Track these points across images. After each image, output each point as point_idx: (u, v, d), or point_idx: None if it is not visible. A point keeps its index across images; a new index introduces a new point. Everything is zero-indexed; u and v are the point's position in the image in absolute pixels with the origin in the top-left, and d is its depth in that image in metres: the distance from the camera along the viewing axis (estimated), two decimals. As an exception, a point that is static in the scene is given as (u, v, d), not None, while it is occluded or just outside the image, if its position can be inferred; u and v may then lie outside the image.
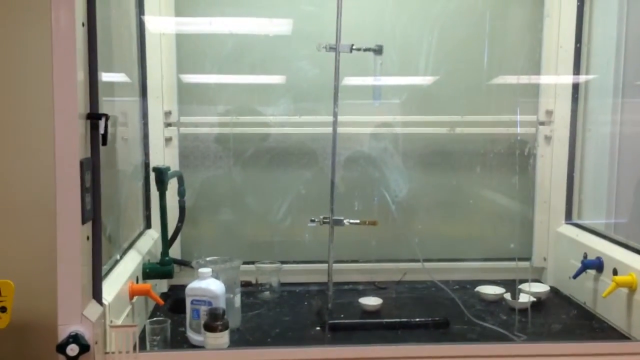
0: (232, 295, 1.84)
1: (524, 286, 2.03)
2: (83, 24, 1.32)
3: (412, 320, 1.88)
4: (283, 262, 2.19)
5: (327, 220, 2.00)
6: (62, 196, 1.30)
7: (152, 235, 2.15)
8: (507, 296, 2.04)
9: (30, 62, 1.84)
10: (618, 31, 2.11)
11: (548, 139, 2.27)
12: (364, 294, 2.11)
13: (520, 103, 2.24)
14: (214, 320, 1.63)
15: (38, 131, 1.82)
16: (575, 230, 2.19)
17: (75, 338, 1.30)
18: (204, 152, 2.24)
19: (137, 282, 1.83)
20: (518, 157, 2.22)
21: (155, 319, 1.75)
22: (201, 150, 2.24)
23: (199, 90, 2.26)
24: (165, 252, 2.00)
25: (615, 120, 2.18)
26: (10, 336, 1.83)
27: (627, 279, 1.76)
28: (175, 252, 2.17)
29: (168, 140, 2.20)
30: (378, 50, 2.09)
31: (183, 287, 1.79)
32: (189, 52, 2.21)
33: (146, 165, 2.14)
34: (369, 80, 2.16)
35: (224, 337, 1.63)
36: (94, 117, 1.36)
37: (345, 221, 2.01)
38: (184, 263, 2.16)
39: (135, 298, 1.72)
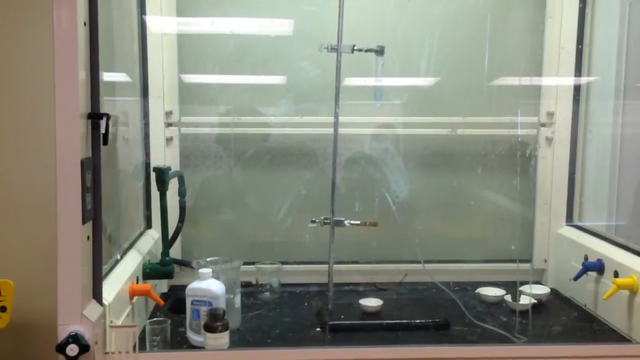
0: (232, 296, 1.84)
1: (524, 288, 2.03)
2: (85, 24, 1.32)
3: (412, 321, 1.88)
4: (283, 263, 2.19)
5: (328, 221, 2.00)
6: (62, 196, 1.30)
7: (153, 235, 2.15)
8: (508, 298, 2.04)
9: (31, 62, 1.84)
10: (620, 33, 2.11)
11: (549, 140, 2.27)
12: (365, 295, 2.11)
13: (522, 104, 2.24)
14: (214, 321, 1.63)
15: (39, 130, 1.82)
16: (576, 232, 2.18)
17: (75, 338, 1.29)
18: (205, 152, 2.24)
19: (137, 282, 1.83)
20: (519, 159, 2.21)
21: (155, 319, 1.75)
22: (202, 150, 2.24)
23: (200, 90, 2.26)
24: (165, 252, 2.00)
25: (617, 122, 2.17)
26: (10, 336, 1.83)
27: (628, 281, 1.75)
28: (175, 252, 2.17)
29: (169, 140, 2.20)
30: (379, 51, 2.09)
31: (183, 287, 1.79)
32: (190, 52, 2.21)
33: (147, 165, 2.14)
34: (370, 81, 2.16)
35: (224, 338, 1.63)
36: (95, 116, 1.36)
37: (346, 222, 2.01)
38: (184, 263, 2.16)
39: (135, 298, 1.72)
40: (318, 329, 1.87)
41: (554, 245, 2.27)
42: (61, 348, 1.29)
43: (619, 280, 1.78)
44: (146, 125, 2.14)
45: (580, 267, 2.00)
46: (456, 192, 2.31)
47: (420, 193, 2.27)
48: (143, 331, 1.71)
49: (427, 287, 2.20)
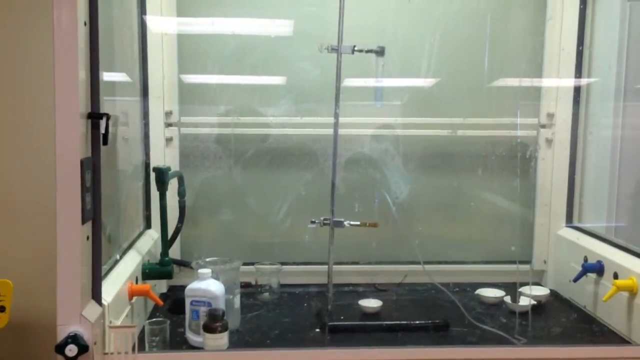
0: (231, 296, 1.83)
1: (524, 289, 2.03)
2: (85, 23, 1.32)
3: (412, 322, 1.88)
4: (283, 264, 2.18)
5: (328, 222, 1.99)
6: (62, 196, 1.29)
7: (152, 236, 2.14)
8: (507, 299, 2.03)
9: (31, 61, 1.84)
10: (620, 34, 2.11)
11: (549, 141, 2.27)
12: (364, 295, 2.11)
13: (522, 106, 2.24)
14: (214, 321, 1.62)
15: (39, 130, 1.82)
16: (576, 234, 2.18)
17: (74, 338, 1.29)
18: (205, 153, 2.24)
19: (137, 282, 1.83)
20: (519, 160, 2.21)
21: (154, 319, 1.74)
22: (202, 150, 2.24)
23: (200, 90, 2.26)
24: (165, 253, 2.00)
25: (617, 124, 2.17)
26: (8, 336, 1.83)
27: (627, 283, 1.75)
28: (175, 252, 2.17)
29: (169, 140, 2.20)
30: (380, 52, 2.09)
31: (182, 287, 1.79)
32: (191, 52, 2.21)
33: (146, 165, 2.14)
34: (370, 82, 2.16)
35: (223, 338, 1.62)
36: (95, 116, 1.36)
37: (345, 223, 2.00)
38: (183, 263, 2.15)
39: (134, 298, 1.72)
40: (317, 330, 1.87)
41: (554, 247, 2.27)
42: (60, 348, 1.28)
43: (618, 281, 1.78)
44: (146, 125, 2.14)
45: (579, 268, 2.00)
46: (456, 193, 2.31)
47: (420, 194, 2.27)
48: (142, 331, 1.70)
49: (426, 288, 2.20)
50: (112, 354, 1.41)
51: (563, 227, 2.26)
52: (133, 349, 1.40)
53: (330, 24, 1.95)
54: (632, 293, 1.75)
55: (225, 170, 2.24)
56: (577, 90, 2.22)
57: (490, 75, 2.22)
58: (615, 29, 2.12)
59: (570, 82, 2.22)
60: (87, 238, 1.37)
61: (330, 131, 1.99)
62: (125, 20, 2.00)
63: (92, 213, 1.37)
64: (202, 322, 1.67)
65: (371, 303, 2.02)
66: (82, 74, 1.31)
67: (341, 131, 2.00)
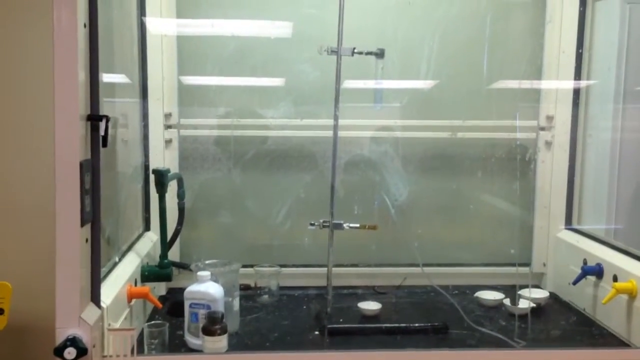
0: (230, 299, 1.83)
1: (523, 292, 2.03)
2: (85, 25, 1.32)
3: (411, 325, 1.88)
4: (282, 266, 2.18)
5: (327, 224, 1.99)
6: (61, 198, 1.29)
7: (151, 238, 2.14)
8: (507, 302, 2.03)
9: (30, 63, 1.84)
10: (620, 37, 2.11)
11: (549, 144, 2.27)
12: (363, 298, 2.10)
13: (522, 108, 2.24)
14: (213, 324, 1.62)
15: (38, 132, 1.81)
16: (575, 236, 2.18)
17: (72, 341, 1.29)
18: (204, 155, 2.24)
19: (136, 284, 1.83)
20: (519, 162, 2.21)
21: (153, 322, 1.74)
22: (201, 152, 2.24)
23: (199, 92, 2.26)
24: (164, 255, 1.99)
25: (616, 126, 2.18)
26: (7, 338, 1.82)
27: (627, 286, 1.75)
28: (174, 254, 2.16)
29: (168, 142, 2.20)
30: (380, 54, 2.09)
31: (182, 290, 1.79)
32: (190, 53, 2.21)
33: (146, 167, 2.14)
34: (370, 84, 2.16)
35: (222, 341, 1.62)
36: (94, 118, 1.36)
37: (345, 225, 2.00)
38: (182, 266, 2.15)
39: (133, 301, 1.71)
40: (317, 333, 1.86)
41: (553, 249, 2.27)
42: (59, 351, 1.28)
43: (618, 284, 1.78)
44: (145, 127, 2.14)
45: (579, 271, 2.00)
46: (456, 195, 2.31)
47: (419, 196, 2.26)
48: (141, 334, 1.70)
49: (426, 291, 2.20)
50: (111, 356, 1.40)
51: (562, 230, 2.26)
52: (132, 352, 1.40)
53: (330, 26, 1.94)
54: (632, 296, 1.75)
55: (224, 172, 2.24)
56: (577, 92, 2.22)
57: (489, 78, 2.22)
58: (614, 32, 2.12)
59: (569, 84, 2.22)
60: (86, 240, 1.36)
61: (330, 133, 1.99)
62: (125, 21, 2.00)
63: (91, 215, 1.37)
64: (201, 325, 1.66)
65: (370, 306, 2.02)
66: (82, 75, 1.31)
67: (341, 133, 2.00)
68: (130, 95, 2.07)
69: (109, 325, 1.46)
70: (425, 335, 1.84)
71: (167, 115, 2.19)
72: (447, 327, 1.86)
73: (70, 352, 1.28)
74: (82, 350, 1.29)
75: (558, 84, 2.24)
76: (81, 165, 1.30)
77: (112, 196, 1.81)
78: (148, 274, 1.93)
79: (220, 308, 1.71)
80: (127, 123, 2.01)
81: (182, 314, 1.76)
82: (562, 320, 2.00)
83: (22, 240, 1.86)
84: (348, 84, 2.07)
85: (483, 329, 1.86)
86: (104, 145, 1.38)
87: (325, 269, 2.01)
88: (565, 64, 2.20)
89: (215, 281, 1.77)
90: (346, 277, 2.22)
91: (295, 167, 2.25)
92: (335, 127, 1.98)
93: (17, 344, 1.86)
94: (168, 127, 2.19)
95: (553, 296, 2.19)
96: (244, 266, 2.00)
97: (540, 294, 2.11)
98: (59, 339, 1.30)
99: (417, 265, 2.10)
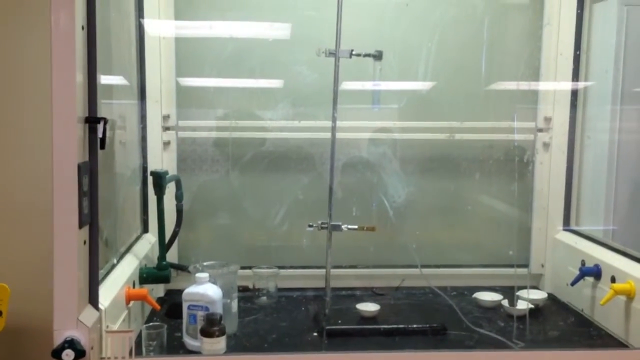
0: (229, 301, 1.83)
1: (521, 293, 2.03)
2: (83, 27, 1.32)
3: (409, 326, 1.88)
4: (280, 267, 2.18)
5: (325, 226, 1.99)
6: (59, 200, 1.29)
7: (150, 240, 2.14)
8: (505, 303, 2.03)
9: (28, 65, 1.83)
10: (617, 39, 2.12)
11: (547, 145, 2.27)
12: (362, 299, 2.10)
13: (519, 109, 2.24)
14: (211, 326, 1.62)
15: (36, 134, 1.81)
16: (573, 237, 2.18)
17: (70, 343, 1.29)
18: (202, 156, 2.24)
19: (134, 286, 1.82)
20: (517, 164, 2.22)
21: (151, 324, 1.74)
22: (199, 154, 2.24)
23: (197, 94, 2.26)
24: (162, 257, 1.99)
25: (614, 128, 2.18)
26: (5, 340, 1.82)
27: (625, 287, 1.76)
28: (172, 256, 2.16)
29: (166, 144, 2.20)
30: (377, 56, 2.09)
31: (180, 291, 1.79)
32: (188, 55, 2.21)
33: (144, 169, 2.14)
34: (368, 86, 2.16)
35: (220, 343, 1.62)
36: (92, 120, 1.36)
37: (343, 226, 2.00)
38: (181, 268, 2.15)
39: (131, 303, 1.71)
40: (315, 334, 1.86)
41: (551, 250, 2.27)
42: (57, 353, 1.28)
43: (616, 285, 1.79)
44: (143, 129, 2.14)
45: (577, 272, 2.00)
46: (454, 196, 2.31)
47: (417, 198, 2.27)
48: (139, 336, 1.70)
49: (424, 292, 2.20)
50: (109, 358, 1.40)
51: (560, 231, 2.26)
52: (130, 354, 1.40)
53: (328, 28, 1.95)
54: (630, 297, 1.75)
55: (222, 174, 2.24)
56: (575, 94, 2.23)
57: (487, 79, 2.22)
58: (612, 33, 2.13)
59: (567, 86, 2.22)
60: (84, 242, 1.36)
61: (328, 135, 1.99)
62: (123, 23, 2.00)
63: (89, 217, 1.37)
64: (199, 327, 1.67)
65: (369, 307, 2.01)
66: (80, 77, 1.31)
67: (339, 135, 2.00)
68: (128, 97, 2.07)
69: (107, 327, 1.46)
70: (424, 337, 1.84)
71: (165, 117, 2.19)
72: (446, 328, 1.86)
73: (68, 354, 1.27)
74: (80, 352, 1.28)
75: (556, 85, 2.25)
76: (79, 167, 1.30)
77: (110, 198, 1.81)
78: (146, 276, 1.93)
79: (218, 310, 1.71)
80: (125, 125, 2.01)
81: (180, 316, 1.76)
82: (560, 321, 2.00)
83: (20, 242, 1.86)
84: (346, 85, 2.07)
85: (481, 330, 1.86)
86: (102, 147, 1.38)
87: (324, 270, 2.01)
88: (563, 66, 2.20)
89: (214, 283, 1.77)
90: (344, 278, 2.22)
91: (293, 169, 2.25)
92: (334, 129, 1.98)
93: (14, 346, 1.86)
94: (166, 129, 2.19)
95: (551, 297, 2.19)
96: (242, 268, 2.00)
97: (539, 295, 2.11)
98: (57, 341, 1.30)
99: (415, 267, 2.10)
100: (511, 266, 2.12)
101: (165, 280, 1.99)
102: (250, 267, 2.15)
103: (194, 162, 2.24)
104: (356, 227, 2.03)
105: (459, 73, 2.25)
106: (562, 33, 2.19)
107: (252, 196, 2.25)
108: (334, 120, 1.98)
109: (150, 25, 2.12)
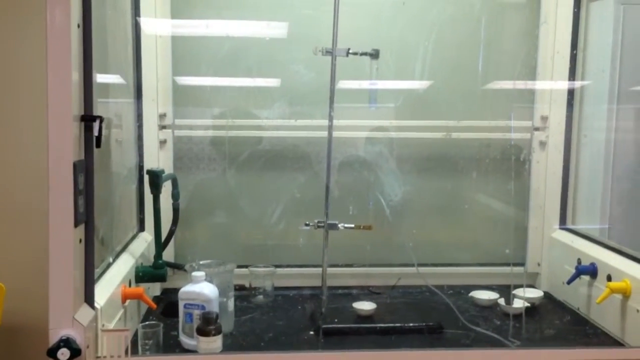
0: (225, 299, 1.83)
1: (518, 291, 2.03)
2: (78, 25, 1.32)
3: (405, 325, 1.88)
4: (277, 266, 2.18)
5: (322, 224, 1.99)
6: (55, 198, 1.29)
7: (146, 238, 2.14)
8: (501, 301, 2.04)
9: (24, 63, 1.83)
10: (614, 38, 2.12)
11: (543, 144, 2.27)
12: (358, 298, 2.10)
13: (516, 108, 2.25)
14: (207, 325, 1.62)
15: (31, 132, 1.81)
16: (570, 236, 2.19)
17: (66, 342, 1.28)
18: (199, 155, 2.23)
19: (130, 285, 1.82)
20: (513, 163, 2.22)
21: (147, 322, 1.73)
22: (196, 153, 2.24)
23: (194, 92, 2.26)
24: (158, 255, 1.99)
25: (610, 127, 2.19)
26: (0, 339, 1.82)
27: (621, 285, 1.76)
28: (168, 255, 2.16)
29: (162, 142, 2.19)
30: (374, 55, 2.09)
31: (176, 290, 1.78)
32: (185, 54, 2.20)
33: (140, 167, 2.13)
34: (365, 85, 2.16)
35: (216, 342, 1.62)
36: (88, 119, 1.35)
37: (339, 225, 2.00)
38: (177, 266, 2.15)
39: (127, 302, 1.71)
40: (311, 333, 1.86)
41: (548, 249, 2.28)
42: (52, 352, 1.27)
43: (612, 284, 1.79)
44: (140, 127, 2.13)
45: (573, 270, 2.01)
46: (450, 195, 2.31)
47: (414, 196, 2.27)
48: (135, 335, 1.70)
49: (420, 291, 2.20)
50: (104, 357, 1.40)
51: (557, 230, 2.26)
52: (126, 353, 1.39)
53: (324, 27, 1.95)
54: (625, 295, 1.75)
55: (219, 173, 2.24)
56: (571, 93, 2.23)
57: (484, 78, 2.22)
58: (608, 32, 2.13)
59: (564, 85, 2.23)
60: (80, 241, 1.36)
61: (325, 134, 1.99)
62: (119, 21, 1.99)
63: (84, 216, 1.37)
64: (195, 325, 1.66)
65: (365, 306, 2.02)
66: (76, 76, 1.30)
67: (335, 134, 2.00)
68: (124, 96, 2.06)
69: (103, 326, 1.46)
70: (420, 335, 1.84)
71: (162, 116, 2.18)
72: (442, 326, 1.86)
73: (64, 353, 1.27)
74: (75, 351, 1.28)
75: (552, 84, 2.25)
76: (75, 165, 1.30)
77: (106, 197, 1.81)
78: (142, 275, 1.93)
79: (214, 308, 1.71)
80: (122, 123, 2.01)
81: (176, 315, 1.76)
82: (557, 320, 2.01)
83: (16, 240, 1.85)
84: (343, 84, 2.07)
85: (478, 329, 1.86)
86: (98, 145, 1.38)
87: (320, 269, 2.01)
88: (560, 65, 2.21)
89: (210, 282, 1.77)
90: (341, 277, 2.22)
91: (289, 168, 2.25)
92: (330, 128, 1.98)
93: (10, 345, 1.86)
94: (162, 127, 2.19)
95: (547, 296, 2.19)
96: (239, 266, 2.00)
97: (535, 293, 2.12)
98: (53, 339, 1.29)
99: (411, 265, 2.10)
100: (507, 265, 2.12)
101: (162, 279, 1.99)
102: (246, 266, 2.15)
103: (191, 160, 2.24)
104: (353, 225, 2.03)
105: (455, 72, 2.25)
106: (559, 32, 2.19)
107: (248, 195, 2.25)
108: (330, 119, 1.98)
109: (147, 24, 2.11)
